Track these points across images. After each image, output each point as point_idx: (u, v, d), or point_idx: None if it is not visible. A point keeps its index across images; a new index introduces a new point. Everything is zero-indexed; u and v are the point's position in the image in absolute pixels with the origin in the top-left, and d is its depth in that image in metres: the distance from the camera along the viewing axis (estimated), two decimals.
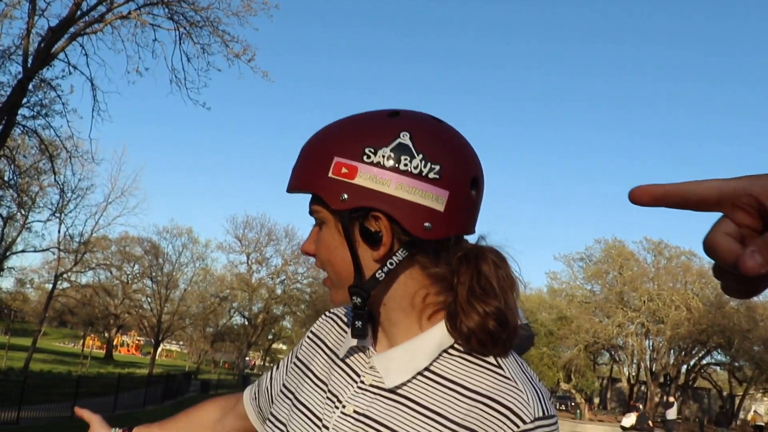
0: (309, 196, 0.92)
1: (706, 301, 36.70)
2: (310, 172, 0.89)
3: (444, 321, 0.91)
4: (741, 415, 38.49)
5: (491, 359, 0.90)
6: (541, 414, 0.85)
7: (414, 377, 0.90)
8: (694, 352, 39.07)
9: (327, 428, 0.93)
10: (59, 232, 32.54)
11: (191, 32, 15.21)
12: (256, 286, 44.36)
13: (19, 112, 14.69)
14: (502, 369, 0.89)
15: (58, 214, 30.19)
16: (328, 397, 0.96)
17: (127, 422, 1.30)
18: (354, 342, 0.96)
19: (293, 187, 0.91)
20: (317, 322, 1.10)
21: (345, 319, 1.07)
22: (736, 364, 37.71)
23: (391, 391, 0.91)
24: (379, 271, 0.89)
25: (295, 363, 1.07)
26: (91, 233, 35.09)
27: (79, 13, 14.02)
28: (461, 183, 0.87)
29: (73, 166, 18.96)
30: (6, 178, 23.14)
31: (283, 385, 1.06)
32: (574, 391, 40.06)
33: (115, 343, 61.04)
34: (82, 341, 50.77)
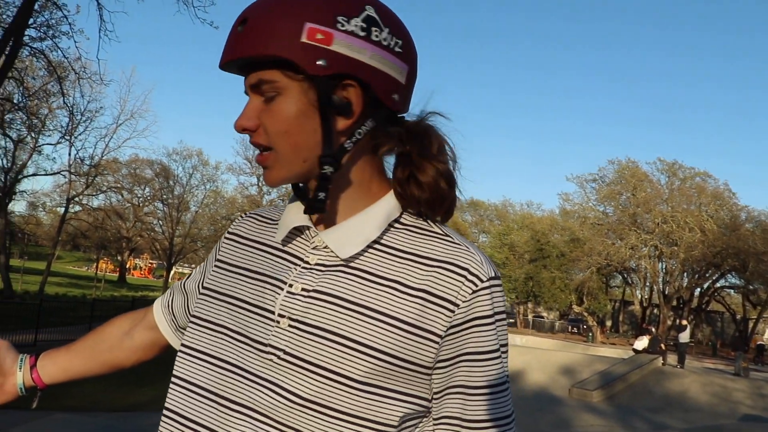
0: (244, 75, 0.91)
1: (721, 223, 37.81)
2: (277, 36, 0.86)
3: (392, 191, 0.96)
4: (755, 339, 39.62)
5: (437, 229, 0.96)
6: (493, 274, 0.92)
7: (365, 250, 0.92)
8: (707, 275, 40.21)
9: (271, 312, 0.91)
10: (69, 155, 35.11)
11: None
12: None
13: (26, 33, 15.68)
14: (450, 237, 0.94)
15: (68, 137, 32.18)
16: (266, 283, 0.95)
17: None
18: (294, 223, 0.95)
19: (247, 53, 0.86)
20: (234, 223, 1.10)
21: (265, 215, 1.07)
22: (751, 287, 38.88)
23: (343, 265, 0.92)
24: (348, 141, 0.91)
25: (217, 265, 1.04)
26: (102, 156, 37.50)
27: None
28: (414, 60, 0.96)
29: (81, 87, 20.32)
30: (15, 101, 24.92)
31: (203, 286, 1.04)
32: (586, 314, 42.15)
33: (128, 266, 63.38)
34: (95, 264, 53.04)
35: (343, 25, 0.87)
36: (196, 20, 16.78)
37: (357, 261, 0.91)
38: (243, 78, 0.92)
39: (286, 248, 0.97)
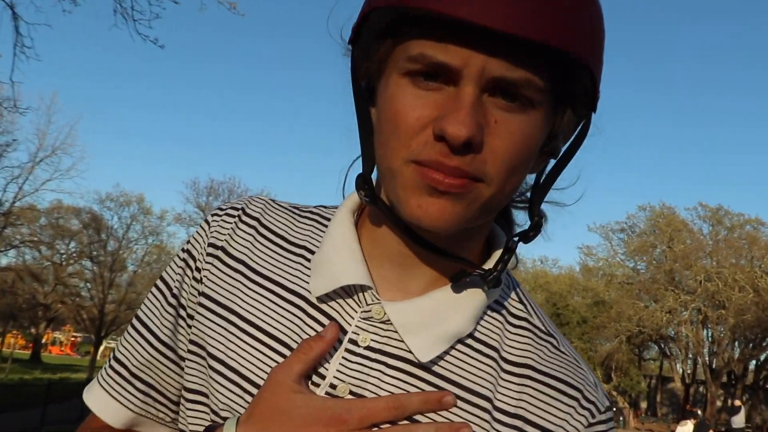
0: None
1: None
2: (591, 39, 0.76)
3: (499, 253, 0.85)
4: None
5: (538, 322, 0.89)
6: (609, 404, 0.87)
7: (452, 347, 0.83)
8: (764, 344, 39.51)
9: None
10: None
11: None
12: None
13: None
14: (555, 338, 0.89)
15: None
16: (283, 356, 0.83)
17: None
18: (347, 280, 0.83)
19: (567, 45, 0.72)
20: (214, 225, 0.94)
21: (269, 224, 0.93)
22: None
23: (411, 362, 0.81)
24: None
25: (203, 303, 0.90)
26: (14, 202, 35.46)
27: None
28: None
29: None
30: None
31: (191, 341, 0.90)
32: (615, 394, 40.71)
33: (44, 340, 60.98)
34: (1, 339, 50.71)
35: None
36: (136, 36, 15.55)
37: (438, 362, 0.82)
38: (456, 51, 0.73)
39: (322, 306, 0.85)
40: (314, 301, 0.85)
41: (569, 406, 0.83)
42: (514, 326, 0.87)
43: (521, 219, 0.95)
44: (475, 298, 0.84)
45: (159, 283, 0.95)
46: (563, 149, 0.85)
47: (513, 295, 0.90)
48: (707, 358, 40.02)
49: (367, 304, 0.83)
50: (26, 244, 41.70)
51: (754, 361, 41.01)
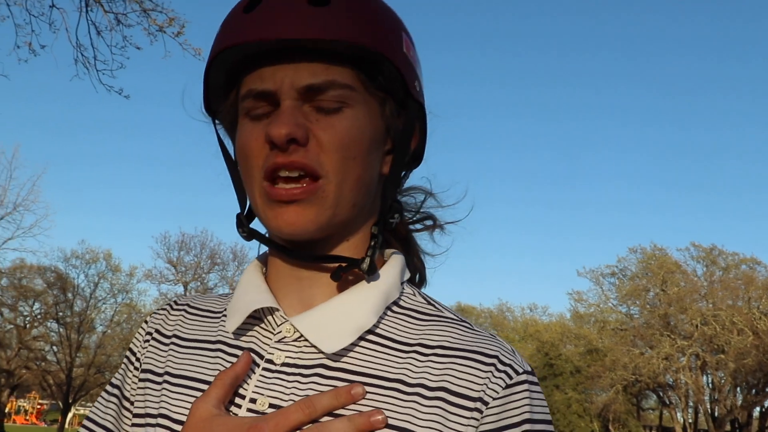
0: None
1: None
2: (381, 33, 0.88)
3: (399, 259, 0.96)
4: None
5: (449, 314, 0.94)
6: (529, 369, 0.90)
7: (355, 343, 0.89)
8: None
9: None
10: None
11: None
12: None
13: None
14: (467, 323, 0.93)
15: None
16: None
17: None
18: (254, 305, 0.91)
19: (344, 36, 0.85)
20: (152, 317, 1.05)
21: (199, 306, 1.04)
22: None
23: (322, 365, 0.88)
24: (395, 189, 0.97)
25: (143, 378, 0.99)
26: None
27: None
28: None
29: None
30: None
31: (134, 414, 0.99)
32: None
33: (7, 409, 58.83)
34: None
35: (415, 51, 0.96)
36: (99, 86, 14.95)
37: (344, 359, 0.88)
38: (258, 71, 0.88)
39: (239, 342, 0.94)
40: (232, 341, 0.94)
41: (486, 372, 0.85)
42: (425, 321, 0.92)
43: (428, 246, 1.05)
44: (371, 294, 0.90)
45: (110, 385, 1.05)
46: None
47: (420, 299, 0.96)
48: (709, 406, 39.62)
49: (277, 326, 0.91)
50: None
51: (758, 408, 40.64)
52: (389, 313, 0.92)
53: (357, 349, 0.88)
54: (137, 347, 1.03)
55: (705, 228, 70.76)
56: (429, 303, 0.96)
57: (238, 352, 0.92)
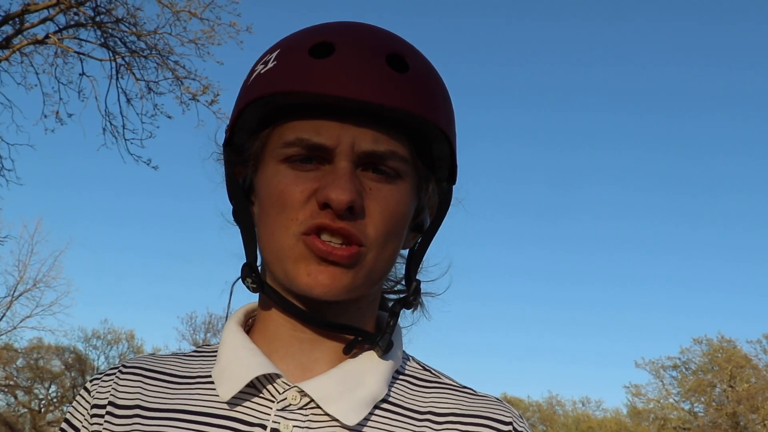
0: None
1: None
2: (447, 116, 0.92)
3: (399, 325, 0.97)
4: None
5: (447, 380, 0.98)
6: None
7: (372, 413, 0.90)
8: None
9: None
10: None
11: (132, 63, 14.80)
12: None
13: None
14: (469, 388, 0.98)
15: None
16: None
17: None
18: (256, 371, 0.89)
19: (422, 112, 0.87)
20: (93, 386, 0.98)
21: (159, 368, 0.98)
22: None
23: None
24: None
25: None
26: None
27: None
28: None
29: None
30: None
31: None
32: None
33: None
34: None
35: None
36: (128, 157, 14.96)
37: (362, 429, 0.90)
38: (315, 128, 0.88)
39: (232, 413, 0.90)
40: (222, 412, 0.90)
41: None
42: (428, 387, 0.96)
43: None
44: (381, 363, 0.92)
45: None
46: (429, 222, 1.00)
47: (416, 365, 1.00)
48: None
49: (280, 393, 0.89)
50: (0, 388, 40.54)
51: None
52: (394, 380, 0.95)
53: (372, 418, 0.89)
54: (79, 422, 0.96)
55: None
56: (425, 369, 1.00)
57: (233, 424, 0.88)
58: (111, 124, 14.99)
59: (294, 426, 0.87)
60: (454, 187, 0.97)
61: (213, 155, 1.03)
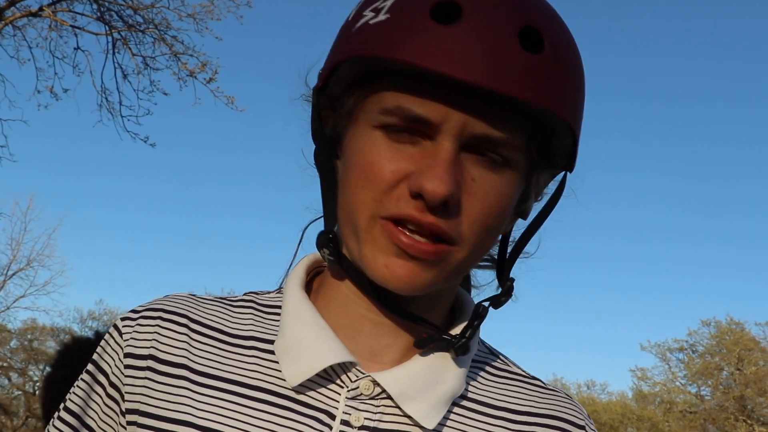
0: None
1: None
2: (576, 109, 0.83)
3: (476, 304, 0.90)
4: None
5: (516, 369, 0.96)
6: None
7: (449, 410, 0.87)
8: None
9: None
10: None
11: (128, 38, 14.70)
12: None
13: None
14: (539, 380, 0.96)
15: None
16: None
17: None
18: (329, 360, 0.84)
19: (546, 104, 0.77)
20: (128, 329, 0.90)
21: (200, 319, 0.91)
22: None
23: (411, 424, 0.84)
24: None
25: (137, 422, 0.86)
26: None
27: None
28: None
29: None
30: None
31: None
32: None
33: None
34: None
35: None
36: (124, 134, 14.81)
37: (440, 428, 0.86)
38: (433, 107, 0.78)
39: (298, 395, 0.86)
40: (285, 392, 0.85)
41: None
42: (500, 378, 0.93)
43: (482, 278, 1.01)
44: (461, 358, 0.88)
45: (64, 414, 0.92)
46: (534, 210, 0.93)
47: (486, 350, 0.96)
48: None
49: (352, 381, 0.85)
50: None
51: None
52: (470, 372, 0.92)
53: (450, 417, 0.86)
54: (110, 369, 0.89)
55: None
56: (494, 354, 0.96)
57: (298, 408, 0.84)
58: (107, 100, 14.93)
59: (365, 418, 0.83)
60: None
61: (302, 97, 0.94)
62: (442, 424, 0.85)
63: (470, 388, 0.89)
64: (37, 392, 43.21)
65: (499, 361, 0.95)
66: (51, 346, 42.81)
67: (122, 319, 0.91)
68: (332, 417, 0.83)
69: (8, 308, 36.27)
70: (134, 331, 0.89)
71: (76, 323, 43.85)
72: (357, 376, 0.84)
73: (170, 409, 0.85)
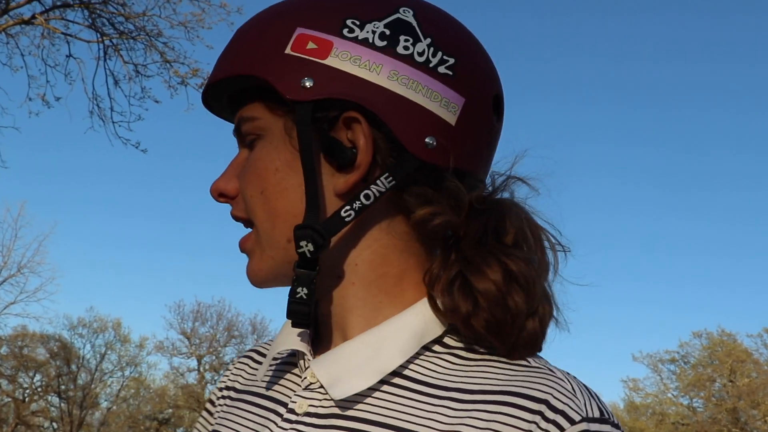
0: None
1: None
2: (254, 49, 0.86)
3: (426, 296, 0.85)
4: None
5: (503, 358, 0.84)
6: (596, 414, 0.77)
7: (379, 385, 0.83)
8: None
9: None
10: None
11: (120, 46, 14.90)
12: None
13: None
14: (527, 362, 0.82)
15: None
16: None
17: None
18: (279, 348, 0.89)
19: (220, 75, 0.87)
20: (233, 367, 1.06)
21: (261, 351, 1.03)
22: None
23: (336, 415, 0.82)
24: (347, 208, 0.82)
25: None
26: None
27: None
28: (482, 94, 0.86)
29: None
30: None
31: None
32: None
33: None
34: None
35: (352, 31, 0.83)
36: (116, 140, 14.90)
37: (359, 405, 0.83)
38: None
39: (268, 392, 0.93)
40: (260, 391, 0.95)
41: (528, 416, 0.75)
42: (472, 363, 0.83)
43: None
44: (401, 330, 0.84)
45: None
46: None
47: (480, 349, 0.86)
48: None
49: (304, 371, 0.88)
50: None
51: None
52: (426, 353, 0.85)
53: (376, 394, 0.82)
54: (215, 397, 1.06)
55: None
56: (484, 340, 0.85)
57: (264, 402, 0.92)
58: (98, 106, 15.07)
59: (309, 405, 0.85)
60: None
61: None
62: (362, 399, 0.82)
63: (419, 368, 0.84)
64: (26, 399, 43.23)
65: (483, 349, 0.85)
66: (41, 353, 42.54)
67: (235, 358, 1.11)
68: (285, 406, 0.88)
69: None
70: (234, 368, 1.06)
71: (66, 330, 43.56)
72: (307, 366, 0.87)
73: (223, 425, 0.98)
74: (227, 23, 14.88)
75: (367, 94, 0.81)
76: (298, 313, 0.82)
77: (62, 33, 14.76)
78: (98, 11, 14.77)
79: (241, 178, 0.87)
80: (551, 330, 0.85)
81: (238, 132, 0.90)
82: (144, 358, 45.21)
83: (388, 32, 0.82)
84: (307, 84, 0.81)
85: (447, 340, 0.86)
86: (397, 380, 0.83)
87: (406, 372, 0.83)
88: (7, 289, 39.38)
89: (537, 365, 0.81)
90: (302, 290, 0.82)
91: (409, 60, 0.81)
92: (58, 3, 14.78)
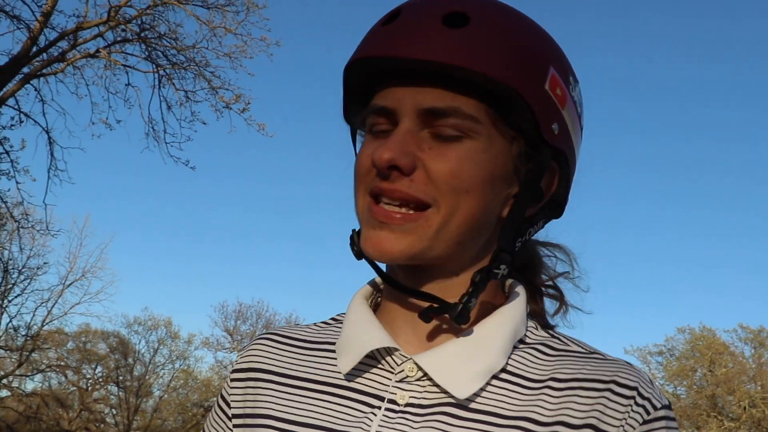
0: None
1: None
2: (516, 66, 0.77)
3: (522, 295, 0.86)
4: None
5: (577, 347, 0.87)
6: (668, 403, 0.81)
7: (488, 383, 0.82)
8: None
9: None
10: (0, 323, 32.62)
11: (172, 75, 15.12)
12: None
13: None
14: (599, 353, 0.85)
15: None
16: None
17: None
18: (372, 345, 0.83)
19: (474, 65, 0.75)
20: (244, 354, 0.95)
21: (295, 336, 0.94)
22: None
23: (453, 404, 0.80)
24: (520, 239, 0.86)
25: (238, 424, 0.91)
26: (42, 325, 34.64)
27: (35, 49, 13.90)
28: None
29: (21, 239, 18.68)
30: None
31: None
32: None
33: None
34: None
35: (573, 88, 0.84)
36: (168, 159, 15.18)
37: (476, 399, 0.81)
38: (381, 88, 0.83)
39: (352, 384, 0.86)
40: (340, 382, 0.86)
41: (623, 405, 0.78)
42: (554, 355, 0.85)
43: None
44: (500, 333, 0.83)
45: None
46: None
47: (543, 334, 0.89)
48: None
49: (398, 365, 0.84)
50: (53, 368, 40.52)
51: None
52: (515, 349, 0.85)
53: (488, 388, 0.81)
54: (224, 392, 0.95)
55: (753, 310, 68.06)
56: (553, 336, 0.88)
57: (353, 395, 0.84)
58: (153, 129, 15.21)
59: (411, 397, 0.81)
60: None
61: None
62: (477, 395, 0.80)
63: (515, 364, 0.83)
64: (89, 388, 43.28)
65: (557, 341, 0.87)
66: (102, 348, 42.89)
67: (240, 350, 0.98)
68: (381, 399, 0.82)
69: (65, 314, 36.18)
70: (244, 354, 0.95)
71: (124, 328, 43.89)
72: (402, 360, 0.83)
73: (257, 406, 0.89)
74: (267, 54, 15.07)
75: (570, 152, 0.84)
76: (464, 317, 0.80)
77: (122, 65, 15.00)
78: (154, 45, 15.00)
79: (432, 162, 0.78)
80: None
81: (430, 115, 0.79)
82: (192, 352, 45.27)
83: (580, 99, 0.87)
84: (555, 130, 0.80)
85: (528, 335, 0.87)
86: (501, 375, 0.82)
87: (507, 368, 0.83)
88: (73, 291, 39.90)
89: (613, 357, 0.84)
90: (474, 300, 0.80)
91: (580, 117, 0.88)
92: (119, 39, 15.02)
